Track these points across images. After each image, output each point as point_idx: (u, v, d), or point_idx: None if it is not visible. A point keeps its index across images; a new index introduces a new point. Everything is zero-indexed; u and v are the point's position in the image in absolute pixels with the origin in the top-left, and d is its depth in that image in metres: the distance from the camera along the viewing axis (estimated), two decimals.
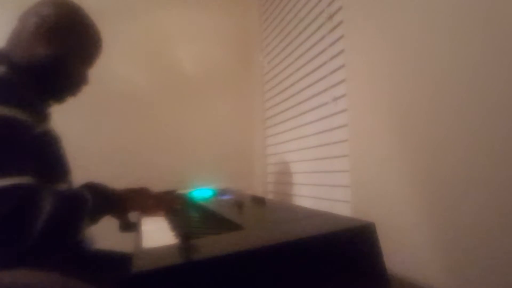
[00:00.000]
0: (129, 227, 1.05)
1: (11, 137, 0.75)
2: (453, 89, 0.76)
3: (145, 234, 0.77)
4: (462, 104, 0.74)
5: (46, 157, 0.86)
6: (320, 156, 1.39)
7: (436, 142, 0.80)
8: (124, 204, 1.02)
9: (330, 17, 1.29)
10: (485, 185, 0.69)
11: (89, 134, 1.86)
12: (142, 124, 1.99)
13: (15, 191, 0.69)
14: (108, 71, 1.85)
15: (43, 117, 0.91)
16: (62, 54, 0.93)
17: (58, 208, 0.75)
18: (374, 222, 0.61)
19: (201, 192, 1.38)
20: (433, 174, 0.81)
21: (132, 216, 1.06)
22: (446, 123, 0.78)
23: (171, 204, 1.09)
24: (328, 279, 0.56)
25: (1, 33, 0.95)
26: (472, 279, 0.72)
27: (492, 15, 0.68)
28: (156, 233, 0.78)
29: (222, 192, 1.40)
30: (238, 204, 0.96)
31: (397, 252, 0.89)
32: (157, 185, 1.19)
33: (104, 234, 1.02)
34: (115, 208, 1.00)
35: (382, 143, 0.99)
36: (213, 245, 0.56)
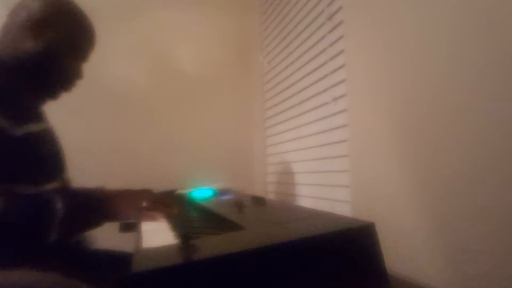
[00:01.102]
0: (129, 227, 1.05)
1: None
2: (453, 89, 0.76)
3: (145, 234, 0.77)
4: (462, 104, 0.74)
5: (27, 159, 0.83)
6: (320, 156, 1.39)
7: (436, 142, 0.80)
8: (109, 213, 0.94)
9: (330, 17, 1.29)
10: (485, 185, 0.69)
11: (88, 134, 1.85)
12: (142, 124, 1.99)
13: None
14: (107, 71, 1.85)
15: (29, 117, 0.88)
16: (52, 48, 0.91)
17: (8, 211, 0.73)
18: (374, 222, 0.61)
19: (201, 192, 1.38)
20: (433, 174, 0.81)
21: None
22: (446, 123, 0.78)
23: (166, 209, 1.02)
24: (328, 279, 0.56)
25: None
26: (472, 279, 0.72)
27: (492, 15, 0.68)
28: (156, 233, 0.78)
29: (222, 192, 1.40)
30: (238, 204, 0.96)
31: (397, 252, 0.89)
32: (157, 185, 1.19)
33: (104, 234, 1.02)
34: (101, 218, 0.93)
35: (382, 143, 0.99)
36: (213, 245, 0.56)
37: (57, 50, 0.92)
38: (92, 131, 1.88)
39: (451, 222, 0.77)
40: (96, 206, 0.92)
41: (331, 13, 1.28)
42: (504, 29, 0.66)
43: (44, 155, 0.89)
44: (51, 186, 0.90)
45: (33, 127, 0.87)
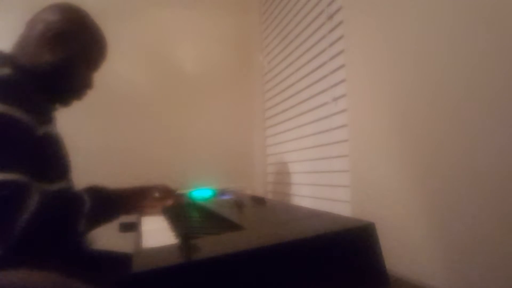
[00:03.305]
0: (129, 227, 1.05)
1: (8, 136, 0.77)
2: (453, 89, 0.76)
3: (145, 234, 0.77)
4: (462, 104, 0.74)
5: (45, 157, 0.87)
6: (320, 156, 1.39)
7: (436, 142, 0.80)
8: (128, 206, 1.03)
9: (330, 17, 1.29)
10: (485, 184, 0.69)
11: (89, 133, 1.85)
12: (142, 124, 1.99)
13: (3, 186, 0.71)
14: (108, 71, 1.84)
15: (47, 119, 0.92)
16: (67, 60, 0.94)
17: (45, 207, 0.76)
18: (374, 222, 0.61)
19: (201, 192, 1.38)
20: (433, 174, 0.81)
21: (132, 216, 1.06)
22: (446, 123, 0.78)
23: (171, 200, 1.11)
24: (328, 279, 0.56)
25: (8, 37, 0.95)
26: (472, 279, 0.72)
27: (492, 15, 0.68)
28: (156, 233, 0.78)
29: (222, 192, 1.40)
30: (238, 204, 0.96)
31: (397, 252, 0.89)
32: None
33: (104, 234, 1.02)
34: (119, 212, 1.01)
35: (382, 143, 0.99)
36: (213, 245, 0.56)
37: (71, 62, 0.96)
38: (92, 131, 1.88)
39: (451, 222, 0.77)
40: (115, 201, 0.99)
41: (331, 13, 1.28)
42: (504, 29, 0.66)
43: (57, 155, 0.93)
44: (61, 184, 0.93)
45: (49, 128, 0.92)
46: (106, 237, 1.04)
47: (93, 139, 1.86)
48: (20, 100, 0.80)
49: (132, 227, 1.03)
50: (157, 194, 1.08)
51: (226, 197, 1.28)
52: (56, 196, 0.84)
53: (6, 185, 0.71)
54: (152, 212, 1.05)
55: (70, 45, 0.94)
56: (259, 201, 1.05)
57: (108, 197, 0.97)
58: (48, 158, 0.89)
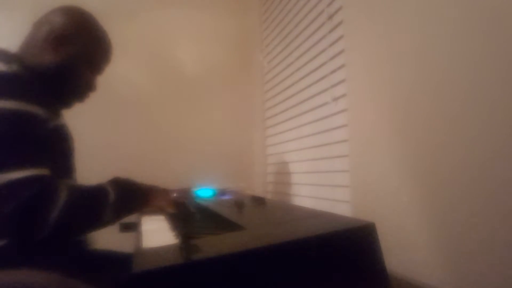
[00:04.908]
0: (129, 227, 1.05)
1: (29, 131, 0.78)
2: (453, 89, 0.76)
3: (145, 234, 0.78)
4: (462, 104, 0.74)
5: (57, 151, 0.88)
6: (320, 156, 1.39)
7: (436, 142, 0.80)
8: (148, 201, 1.05)
9: (330, 17, 1.29)
10: (485, 185, 0.69)
11: (89, 134, 1.85)
12: (142, 124, 1.99)
13: (33, 182, 0.72)
14: (108, 71, 1.85)
15: (56, 113, 0.93)
16: (71, 62, 0.95)
17: (74, 201, 0.77)
18: (374, 222, 0.61)
19: (201, 192, 1.38)
20: (433, 174, 0.81)
21: (132, 216, 1.06)
22: (446, 122, 0.78)
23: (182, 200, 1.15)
24: (329, 279, 0.56)
25: (14, 38, 0.96)
26: (472, 279, 0.72)
27: (493, 16, 0.68)
28: (156, 233, 0.78)
29: (222, 192, 1.40)
30: (238, 204, 0.96)
31: (397, 252, 0.89)
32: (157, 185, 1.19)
33: (104, 234, 1.02)
34: (141, 205, 1.02)
35: (382, 143, 0.99)
36: (213, 245, 0.56)
37: (75, 64, 0.96)
38: (92, 132, 1.88)
39: (451, 222, 0.77)
40: (137, 194, 1.00)
41: (331, 13, 1.28)
42: (505, 30, 0.66)
43: (67, 150, 0.95)
44: (71, 181, 0.94)
45: (59, 122, 0.94)
46: (106, 237, 1.04)
47: (93, 139, 1.86)
48: (32, 94, 0.81)
49: (132, 227, 1.03)
50: (175, 195, 1.12)
51: (226, 197, 1.28)
52: (82, 189, 0.85)
53: (35, 181, 0.72)
54: (165, 211, 1.07)
55: (73, 47, 0.95)
56: (259, 201, 1.05)
57: (130, 189, 0.99)
58: (59, 151, 0.90)
